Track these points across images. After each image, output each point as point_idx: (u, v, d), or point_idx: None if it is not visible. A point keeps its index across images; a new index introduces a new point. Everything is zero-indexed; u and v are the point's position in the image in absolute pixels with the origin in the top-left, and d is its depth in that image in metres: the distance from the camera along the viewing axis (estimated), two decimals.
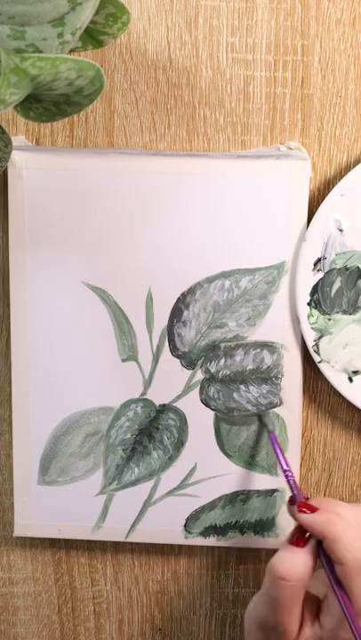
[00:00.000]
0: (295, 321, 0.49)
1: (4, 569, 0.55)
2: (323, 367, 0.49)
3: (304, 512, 0.42)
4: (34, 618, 0.56)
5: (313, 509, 0.42)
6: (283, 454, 0.48)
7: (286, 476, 0.46)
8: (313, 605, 0.43)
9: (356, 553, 0.40)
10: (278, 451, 0.48)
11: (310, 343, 0.49)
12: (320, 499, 0.43)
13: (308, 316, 0.48)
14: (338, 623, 0.41)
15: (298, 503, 0.43)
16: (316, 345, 0.49)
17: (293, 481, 0.46)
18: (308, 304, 0.48)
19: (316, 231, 0.48)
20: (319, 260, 0.48)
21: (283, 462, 0.48)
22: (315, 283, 0.48)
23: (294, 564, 0.41)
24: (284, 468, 0.47)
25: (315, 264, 0.48)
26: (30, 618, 0.56)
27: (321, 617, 0.42)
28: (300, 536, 0.42)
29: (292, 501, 0.43)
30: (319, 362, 0.49)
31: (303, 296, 0.48)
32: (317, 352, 0.49)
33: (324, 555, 0.42)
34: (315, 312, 0.48)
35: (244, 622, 0.44)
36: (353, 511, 0.42)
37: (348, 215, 0.47)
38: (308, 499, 0.43)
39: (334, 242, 0.48)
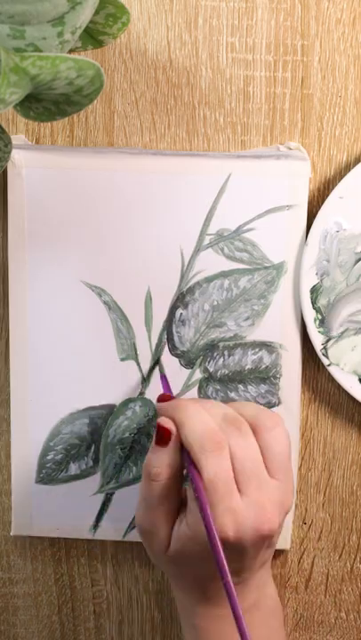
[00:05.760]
0: (294, 321, 0.49)
1: (4, 569, 0.55)
2: (332, 370, 0.49)
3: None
4: (34, 618, 0.55)
5: (169, 398, 0.44)
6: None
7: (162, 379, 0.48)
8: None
9: (200, 436, 0.40)
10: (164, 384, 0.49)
11: (318, 347, 0.49)
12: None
13: (315, 320, 0.48)
14: (198, 516, 0.40)
15: (158, 395, 0.45)
16: (325, 348, 0.49)
17: (166, 383, 0.48)
18: (315, 307, 0.48)
19: (317, 234, 0.48)
20: None
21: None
22: None
23: (154, 461, 0.42)
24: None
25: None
26: (30, 618, 0.56)
27: (186, 513, 0.42)
28: (161, 435, 0.42)
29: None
30: (328, 365, 0.49)
31: (309, 300, 0.48)
32: (326, 355, 0.49)
33: (182, 447, 0.42)
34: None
35: None
36: (210, 402, 0.43)
37: (348, 217, 0.47)
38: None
39: (337, 244, 0.48)
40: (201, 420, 0.41)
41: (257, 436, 0.42)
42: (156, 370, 0.50)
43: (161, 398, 0.45)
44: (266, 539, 0.41)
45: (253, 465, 0.41)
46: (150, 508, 0.42)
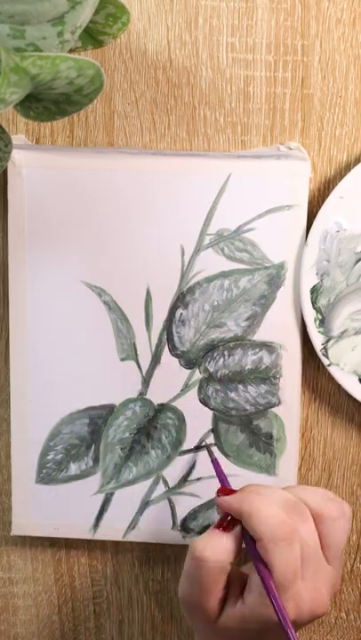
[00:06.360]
0: (294, 321, 0.49)
1: (5, 569, 0.55)
2: (332, 370, 0.49)
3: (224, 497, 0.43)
4: (34, 618, 0.56)
5: (231, 492, 0.43)
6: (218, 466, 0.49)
7: (216, 468, 0.48)
8: (240, 584, 0.43)
9: (272, 527, 0.40)
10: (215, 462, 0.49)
11: (318, 347, 0.49)
12: (244, 486, 0.44)
13: (315, 320, 0.48)
14: (259, 599, 0.41)
15: (218, 489, 0.44)
16: (325, 348, 0.49)
17: (221, 472, 0.47)
18: (315, 307, 0.48)
19: (317, 234, 0.48)
20: None
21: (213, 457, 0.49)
22: None
23: (213, 545, 0.41)
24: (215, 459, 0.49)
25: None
26: (30, 618, 0.56)
27: (244, 594, 0.42)
28: (224, 521, 0.42)
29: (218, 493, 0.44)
30: (328, 365, 0.49)
31: (309, 300, 0.48)
32: (326, 355, 0.49)
33: (245, 533, 0.42)
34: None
35: None
36: (271, 489, 0.43)
37: (348, 217, 0.47)
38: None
39: (337, 244, 0.48)
40: (270, 511, 0.41)
41: (319, 524, 0.42)
42: (157, 369, 0.50)
43: (221, 492, 0.44)
44: (317, 619, 0.42)
45: (314, 551, 0.41)
46: (198, 586, 0.42)
